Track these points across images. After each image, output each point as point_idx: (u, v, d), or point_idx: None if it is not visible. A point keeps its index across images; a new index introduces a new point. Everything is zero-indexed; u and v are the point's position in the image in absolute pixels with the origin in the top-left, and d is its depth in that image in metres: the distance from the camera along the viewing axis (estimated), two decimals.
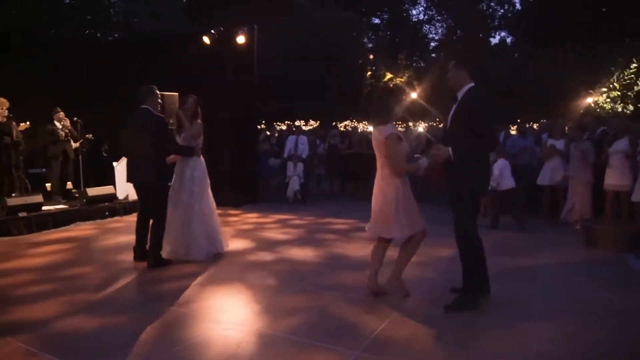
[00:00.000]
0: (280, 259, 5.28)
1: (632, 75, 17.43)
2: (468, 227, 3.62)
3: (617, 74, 17.40)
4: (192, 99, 5.41)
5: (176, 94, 8.55)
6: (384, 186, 3.72)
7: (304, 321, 3.44)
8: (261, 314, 3.59)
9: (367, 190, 10.53)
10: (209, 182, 5.46)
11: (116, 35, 23.03)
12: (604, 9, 26.07)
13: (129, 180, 5.22)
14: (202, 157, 5.43)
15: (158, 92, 5.14)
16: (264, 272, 4.72)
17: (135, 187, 5.28)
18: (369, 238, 4.21)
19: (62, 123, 8.67)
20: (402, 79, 19.60)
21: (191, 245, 5.16)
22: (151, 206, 5.00)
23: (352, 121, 18.62)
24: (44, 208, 7.45)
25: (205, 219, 5.30)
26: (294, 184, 9.83)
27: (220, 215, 6.47)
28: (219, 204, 7.95)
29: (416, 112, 18.80)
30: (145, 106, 4.98)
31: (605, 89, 17.55)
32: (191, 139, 5.31)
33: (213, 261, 5.17)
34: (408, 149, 3.80)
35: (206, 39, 9.66)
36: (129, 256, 5.26)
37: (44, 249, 5.88)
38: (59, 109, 8.68)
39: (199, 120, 5.42)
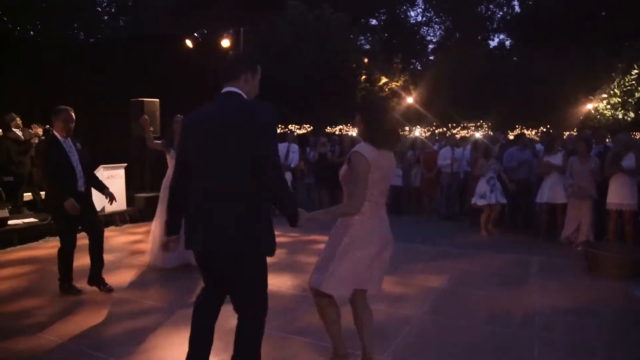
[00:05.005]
0: None
1: (633, 82, 17.00)
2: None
3: (617, 80, 16.98)
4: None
5: (157, 100, 8.09)
6: None
7: None
8: None
9: None
10: None
11: (99, 37, 22.47)
12: (603, 13, 25.67)
13: None
14: None
15: (69, 112, 4.51)
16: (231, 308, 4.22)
17: None
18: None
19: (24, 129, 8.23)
20: (397, 84, 19.11)
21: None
22: None
23: (346, 126, 18.16)
24: (10, 222, 6.96)
25: None
26: None
27: None
28: None
29: (411, 118, 18.34)
30: (54, 132, 4.52)
31: (605, 95, 17.12)
32: None
33: (175, 295, 4.70)
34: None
35: (189, 43, 9.21)
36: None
37: (1, 272, 5.37)
38: (14, 115, 8.22)
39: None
